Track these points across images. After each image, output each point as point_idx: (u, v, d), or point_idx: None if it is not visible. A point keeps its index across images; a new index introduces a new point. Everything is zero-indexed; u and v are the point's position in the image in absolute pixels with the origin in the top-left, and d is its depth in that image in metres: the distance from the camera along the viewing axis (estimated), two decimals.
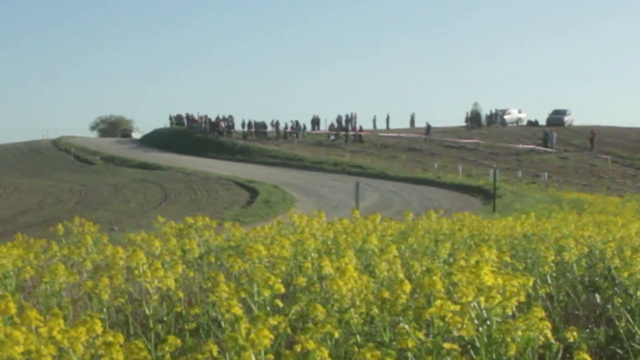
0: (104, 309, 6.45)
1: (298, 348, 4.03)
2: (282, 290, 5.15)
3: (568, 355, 6.56)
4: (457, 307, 4.44)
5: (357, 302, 5.30)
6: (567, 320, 9.81)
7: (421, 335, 4.58)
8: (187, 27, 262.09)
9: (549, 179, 63.21)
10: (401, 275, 6.98)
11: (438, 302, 4.39)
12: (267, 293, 5.09)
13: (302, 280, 6.78)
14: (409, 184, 61.13)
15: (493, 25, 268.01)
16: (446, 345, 4.81)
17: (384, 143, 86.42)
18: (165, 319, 6.66)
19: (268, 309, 5.59)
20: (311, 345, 4.00)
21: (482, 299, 4.52)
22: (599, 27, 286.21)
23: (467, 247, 12.02)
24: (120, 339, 4.35)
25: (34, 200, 57.27)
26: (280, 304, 5.25)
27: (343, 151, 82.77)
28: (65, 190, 62.01)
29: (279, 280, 5.09)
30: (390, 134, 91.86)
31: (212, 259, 8.59)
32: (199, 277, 8.41)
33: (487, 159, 74.94)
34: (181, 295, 6.69)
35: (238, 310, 4.42)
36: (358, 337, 5.35)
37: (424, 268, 7.63)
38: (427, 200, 51.54)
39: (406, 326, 4.54)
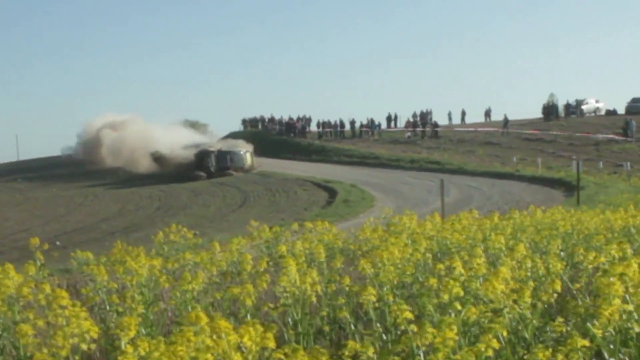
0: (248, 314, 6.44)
1: (482, 347, 3.97)
2: (461, 293, 5.10)
3: None
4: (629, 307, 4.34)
5: (510, 302, 5.23)
6: None
7: (599, 333, 4.49)
8: (257, 26, 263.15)
9: (632, 168, 61.96)
10: (527, 274, 6.89)
11: (616, 302, 4.29)
12: (446, 296, 5.04)
13: (433, 281, 6.69)
14: (488, 179, 60.48)
15: (567, 15, 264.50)
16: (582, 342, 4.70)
17: (460, 138, 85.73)
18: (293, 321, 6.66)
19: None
20: (495, 344, 3.94)
21: None
22: None
23: (580, 241, 11.83)
24: (272, 344, 4.34)
25: (114, 207, 57.94)
26: (459, 307, 5.18)
27: (419, 148, 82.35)
28: (145, 196, 62.62)
29: (457, 285, 5.03)
30: (466, 129, 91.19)
31: (338, 264, 8.55)
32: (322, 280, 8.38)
33: (566, 151, 73.79)
34: (314, 298, 6.68)
35: (409, 314, 4.37)
36: (506, 335, 5.27)
37: (548, 266, 7.52)
38: (508, 194, 51.04)
39: (589, 325, 4.44)
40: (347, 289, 7.45)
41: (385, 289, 6.36)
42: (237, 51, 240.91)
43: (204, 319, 3.86)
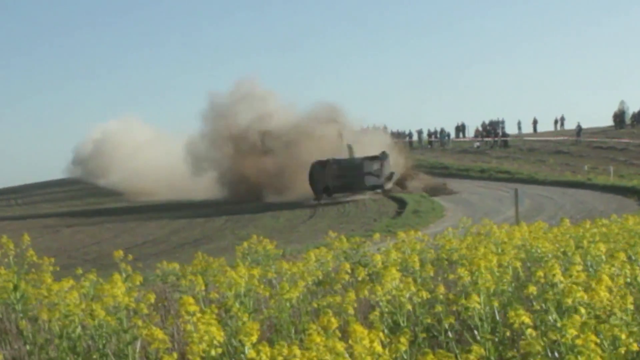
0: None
1: (622, 350, 3.93)
2: (585, 297, 5.07)
3: None
4: None
5: (616, 310, 5.17)
6: None
7: None
8: (327, 35, 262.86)
9: None
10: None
11: None
12: (569, 301, 5.00)
13: (532, 289, 6.63)
14: (559, 188, 59.85)
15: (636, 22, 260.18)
16: None
17: (530, 147, 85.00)
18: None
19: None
20: (635, 347, 3.89)
21: None
22: None
23: None
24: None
25: (183, 220, 58.25)
26: (583, 310, 5.14)
27: (489, 157, 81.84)
28: (213, 209, 62.88)
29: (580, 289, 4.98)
30: (536, 138, 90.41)
31: (431, 272, 8.55)
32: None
33: (638, 159, 72.68)
34: (410, 306, 6.68)
35: (527, 319, 4.36)
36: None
37: None
38: (580, 203, 50.45)
39: None
40: (441, 297, 7.43)
41: (482, 297, 6.34)
42: (310, 59, 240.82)
43: (335, 324, 3.87)
